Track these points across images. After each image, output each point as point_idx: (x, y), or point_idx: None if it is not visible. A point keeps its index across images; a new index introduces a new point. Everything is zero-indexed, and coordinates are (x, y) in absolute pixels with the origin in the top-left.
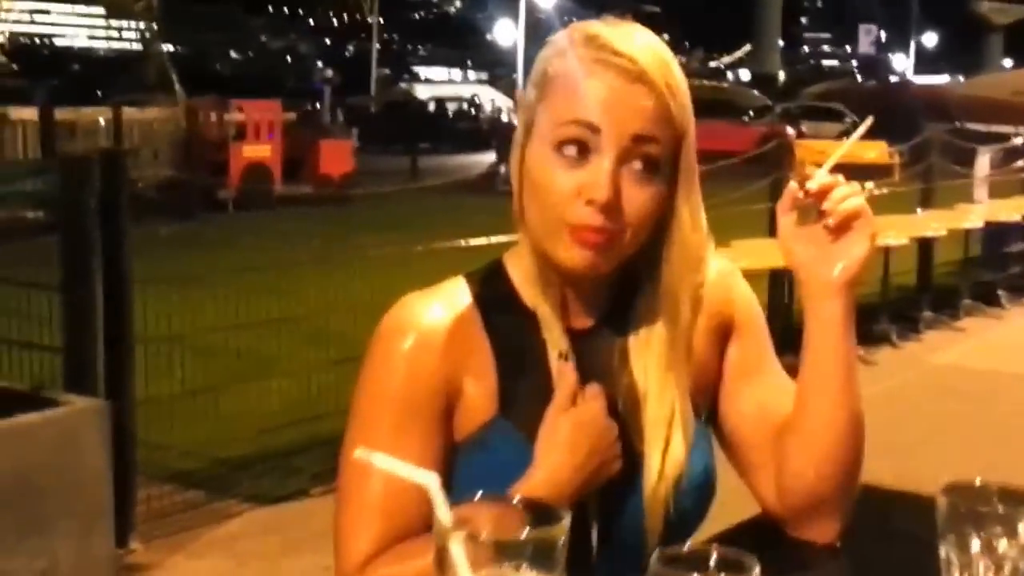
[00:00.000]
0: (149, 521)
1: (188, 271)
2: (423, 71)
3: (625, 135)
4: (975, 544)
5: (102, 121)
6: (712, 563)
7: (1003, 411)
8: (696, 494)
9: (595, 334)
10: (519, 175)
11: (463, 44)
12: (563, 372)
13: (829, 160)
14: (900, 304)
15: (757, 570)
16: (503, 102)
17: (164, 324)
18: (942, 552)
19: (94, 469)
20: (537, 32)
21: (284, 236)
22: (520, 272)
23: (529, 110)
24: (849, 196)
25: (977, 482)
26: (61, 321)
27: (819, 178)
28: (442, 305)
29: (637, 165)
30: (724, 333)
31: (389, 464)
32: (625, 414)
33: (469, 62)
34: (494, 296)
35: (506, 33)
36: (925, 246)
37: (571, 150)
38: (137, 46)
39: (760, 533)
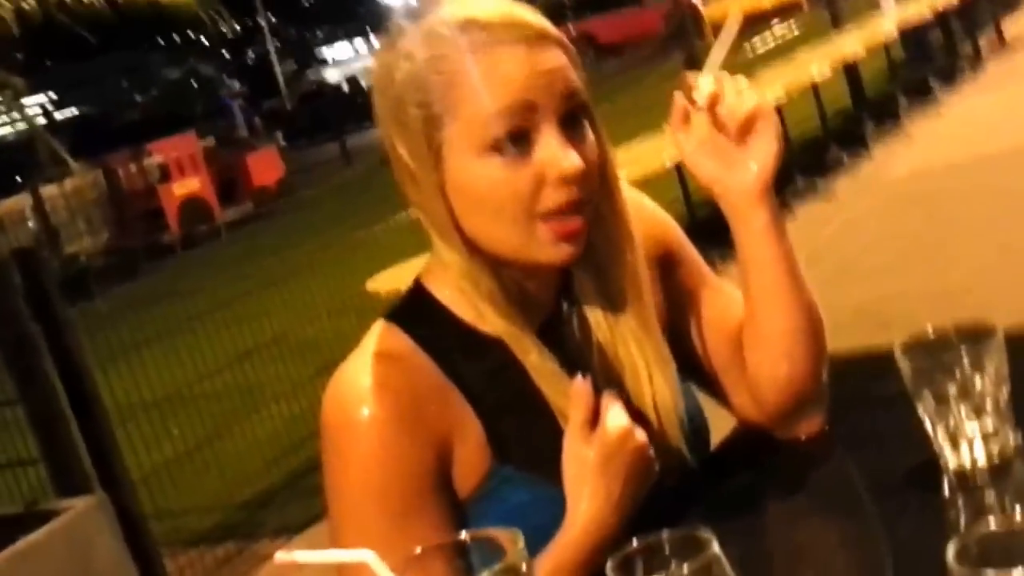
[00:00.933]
0: None
1: (148, 331)
2: (327, 53)
3: (558, 97)
4: (950, 393)
5: (27, 210)
6: (667, 550)
7: (964, 202)
8: (692, 436)
9: (558, 319)
10: (439, 201)
11: (357, 14)
12: (577, 393)
13: (709, 62)
14: (843, 129)
15: (715, 545)
16: None
17: (136, 394)
18: (919, 410)
19: (114, 564)
20: None
21: (236, 263)
22: (454, 294)
23: (426, 133)
24: (740, 97)
25: (930, 331)
26: (31, 431)
27: (704, 87)
28: (391, 367)
29: (575, 120)
30: (659, 266)
31: (316, 557)
32: (609, 382)
33: (368, 28)
34: (436, 333)
35: None
36: (850, 67)
37: (509, 146)
38: (21, 126)
39: (748, 445)
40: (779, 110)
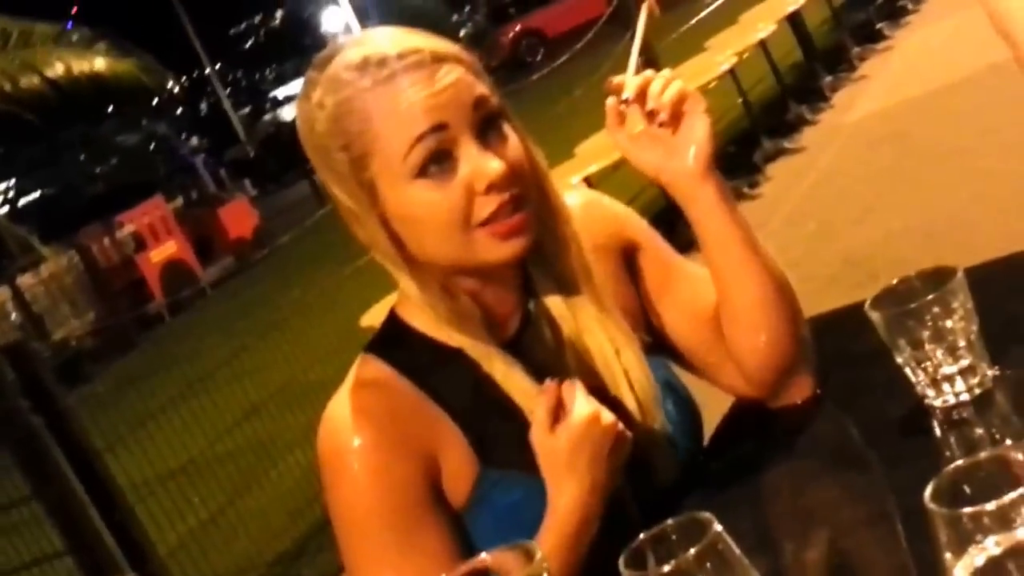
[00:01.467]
0: None
1: (151, 404)
2: (280, 92)
3: (466, 110)
4: (924, 337)
5: (9, 306)
6: (673, 537)
7: (932, 134)
8: (682, 415)
9: (528, 324)
10: (382, 234)
11: (302, 48)
12: (541, 392)
13: (631, 61)
14: (799, 83)
15: (716, 524)
16: None
17: (151, 469)
18: (898, 359)
19: None
20: (361, 2)
21: (227, 320)
22: (424, 318)
23: (355, 174)
24: (666, 86)
25: (895, 282)
26: (51, 524)
27: (631, 82)
28: (368, 394)
29: (491, 125)
30: (624, 260)
31: None
32: (584, 373)
33: None
34: (411, 355)
35: (335, 18)
36: (795, 21)
37: (434, 168)
38: None
39: (748, 419)
40: (733, 73)
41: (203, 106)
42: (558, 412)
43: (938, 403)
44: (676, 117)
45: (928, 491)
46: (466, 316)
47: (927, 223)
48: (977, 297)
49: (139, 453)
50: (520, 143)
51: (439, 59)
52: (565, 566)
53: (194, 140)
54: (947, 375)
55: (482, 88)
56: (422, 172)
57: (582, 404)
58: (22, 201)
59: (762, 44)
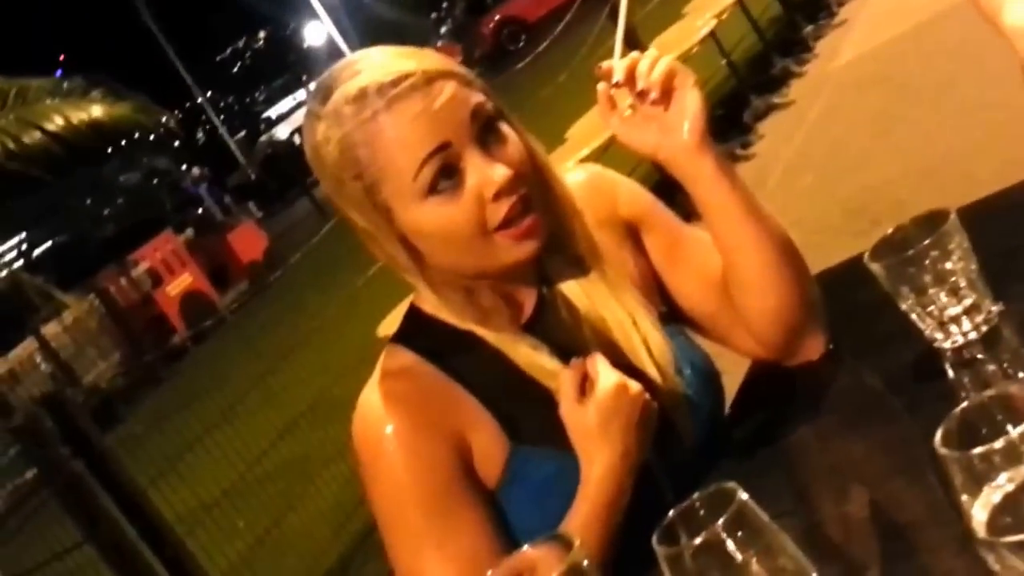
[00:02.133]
0: None
1: (187, 436)
2: (272, 112)
3: (466, 123)
4: (925, 282)
5: (38, 357)
6: (701, 511)
7: (919, 71)
8: (703, 380)
9: (544, 305)
10: (402, 252)
11: (289, 66)
12: (566, 370)
13: (617, 46)
14: (781, 36)
15: (741, 493)
16: None
17: (194, 499)
18: (902, 306)
19: None
20: (341, 14)
21: (250, 343)
22: (442, 306)
23: (370, 198)
24: (654, 64)
25: (890, 231)
26: (106, 566)
27: (619, 66)
28: (395, 380)
29: (491, 131)
30: (631, 233)
31: None
32: (603, 346)
33: (305, 77)
34: (435, 342)
35: (317, 33)
36: None
37: (444, 183)
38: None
39: (766, 381)
40: (714, 35)
41: (200, 135)
42: (585, 386)
43: (947, 345)
44: (667, 94)
45: (938, 436)
46: (487, 310)
47: (924, 163)
48: (975, 235)
49: (181, 486)
50: (519, 140)
51: (431, 78)
52: (601, 536)
53: (195, 170)
54: (953, 316)
55: (476, 97)
56: (432, 190)
57: (608, 376)
58: (36, 252)
59: (739, 2)
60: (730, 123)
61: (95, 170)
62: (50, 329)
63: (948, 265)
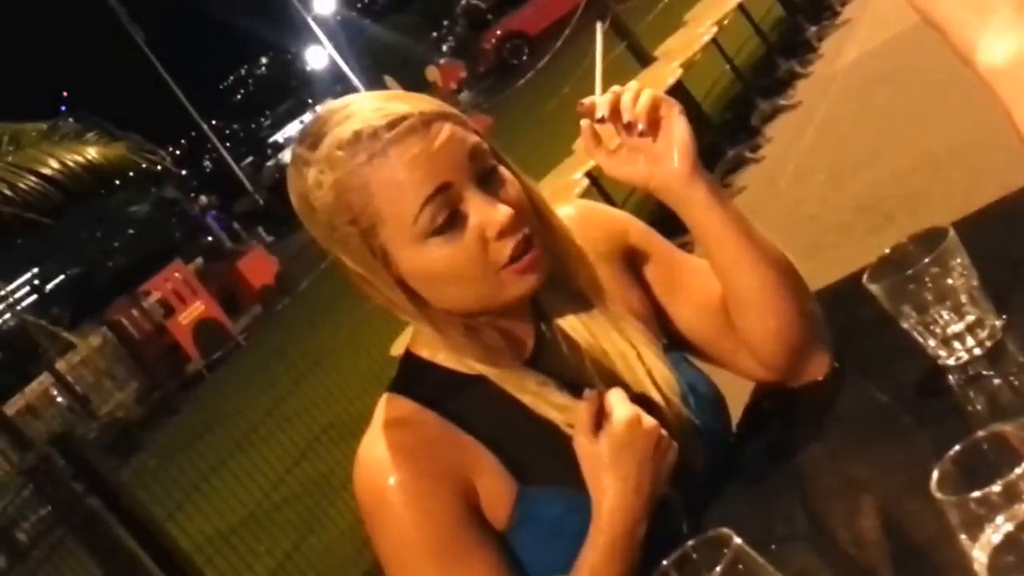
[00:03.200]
0: None
1: (207, 462)
2: (279, 136)
3: (465, 165)
4: (927, 300)
5: (53, 390)
6: (695, 556)
7: (926, 66)
8: (709, 406)
9: (543, 340)
10: (400, 294)
11: (293, 91)
12: (580, 403)
13: (597, 82)
14: (785, 38)
15: (735, 539)
16: None
17: (215, 525)
18: (904, 325)
19: None
20: (341, 38)
21: (264, 367)
22: (439, 350)
23: (366, 243)
24: (637, 97)
25: (887, 251)
26: None
27: (601, 101)
28: (395, 431)
29: (489, 175)
30: (628, 265)
31: None
32: (607, 379)
33: (310, 100)
34: (433, 388)
35: (318, 57)
36: None
37: (445, 225)
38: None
39: (771, 402)
40: (716, 42)
41: (207, 163)
42: (600, 419)
43: (952, 362)
44: (653, 124)
45: (933, 480)
46: (489, 348)
47: (934, 156)
48: (975, 247)
49: (200, 514)
50: (516, 180)
51: (428, 120)
52: (615, 572)
53: (203, 199)
54: (956, 333)
55: (473, 138)
56: (434, 232)
57: (622, 408)
58: (49, 286)
59: (741, 7)
60: (738, 127)
61: (103, 202)
62: (66, 363)
63: (949, 282)
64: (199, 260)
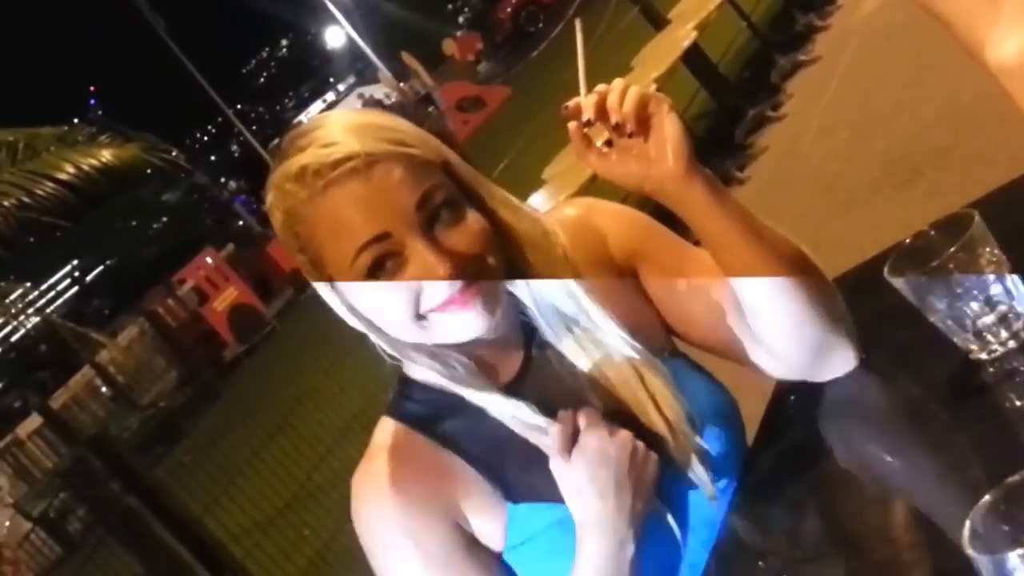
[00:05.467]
0: None
1: (248, 447)
2: (302, 118)
3: (408, 212)
4: (956, 292)
5: (97, 380)
6: None
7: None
8: (718, 422)
9: (531, 360)
10: (352, 318)
11: (315, 70)
12: (554, 425)
13: (581, 82)
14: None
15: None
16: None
17: (259, 511)
18: (932, 319)
19: None
20: (358, 15)
21: (300, 349)
22: (432, 374)
23: (318, 271)
24: (623, 96)
25: (908, 241)
26: None
27: (587, 103)
28: (386, 460)
29: (443, 216)
30: (630, 269)
31: None
32: (607, 401)
33: (332, 79)
34: (421, 409)
35: (337, 35)
36: None
37: (379, 272)
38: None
39: (794, 399)
40: (732, 0)
41: (234, 148)
42: (574, 439)
43: (984, 356)
44: (643, 124)
45: (964, 535)
46: (460, 373)
47: (959, 106)
48: (1003, 230)
49: (240, 504)
50: (478, 230)
51: (373, 161)
52: None
53: (231, 184)
54: (988, 325)
55: (427, 179)
56: (370, 275)
57: (595, 427)
58: (88, 278)
59: None
60: (758, 85)
61: (134, 190)
62: (108, 352)
63: (977, 271)
64: (230, 246)
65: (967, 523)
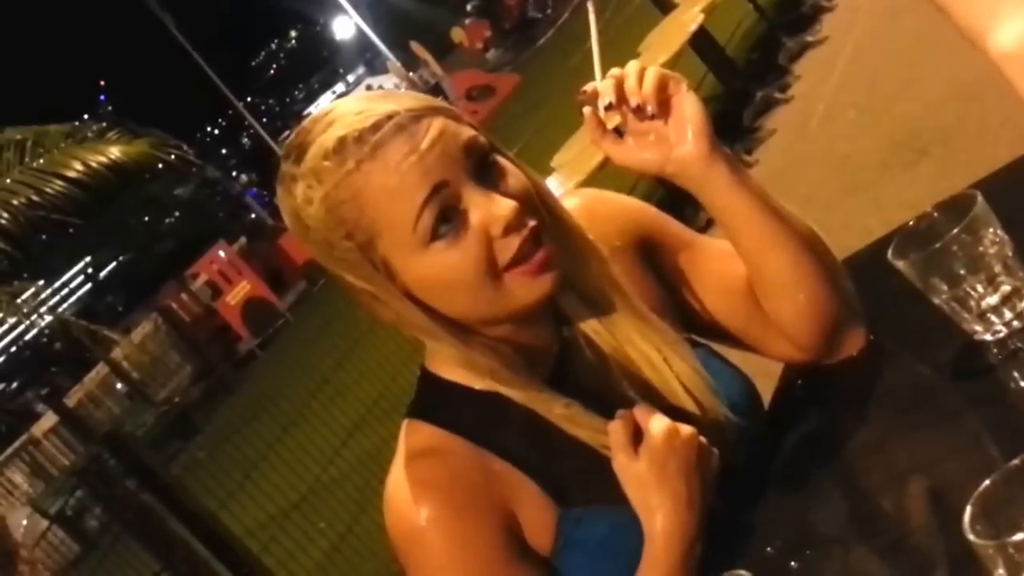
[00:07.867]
0: None
1: (263, 440)
2: (313, 109)
3: (459, 160)
4: (959, 274)
5: (112, 377)
6: None
7: None
8: (741, 400)
9: (567, 352)
10: (410, 308)
11: (323, 61)
12: (613, 424)
13: (596, 66)
14: None
15: None
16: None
17: (274, 505)
18: (935, 300)
19: None
20: (367, 5)
21: (314, 341)
22: (460, 369)
23: (366, 256)
24: (642, 77)
25: (911, 223)
26: None
27: (604, 88)
28: (423, 463)
29: (487, 165)
30: (642, 256)
31: None
32: (634, 386)
33: (342, 70)
34: (459, 413)
35: (345, 26)
36: None
37: (445, 227)
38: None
39: (803, 383)
40: None
41: (244, 139)
42: (636, 437)
43: (989, 337)
44: (663, 105)
45: (966, 521)
46: (509, 367)
47: (966, 85)
48: (1007, 210)
49: (255, 498)
50: (521, 175)
51: (416, 117)
52: None
53: (243, 177)
54: (992, 306)
55: (468, 131)
56: (434, 236)
57: (658, 422)
58: (102, 274)
59: None
60: (765, 67)
61: (147, 187)
62: (121, 348)
63: (980, 252)
64: (243, 240)
65: (968, 508)
